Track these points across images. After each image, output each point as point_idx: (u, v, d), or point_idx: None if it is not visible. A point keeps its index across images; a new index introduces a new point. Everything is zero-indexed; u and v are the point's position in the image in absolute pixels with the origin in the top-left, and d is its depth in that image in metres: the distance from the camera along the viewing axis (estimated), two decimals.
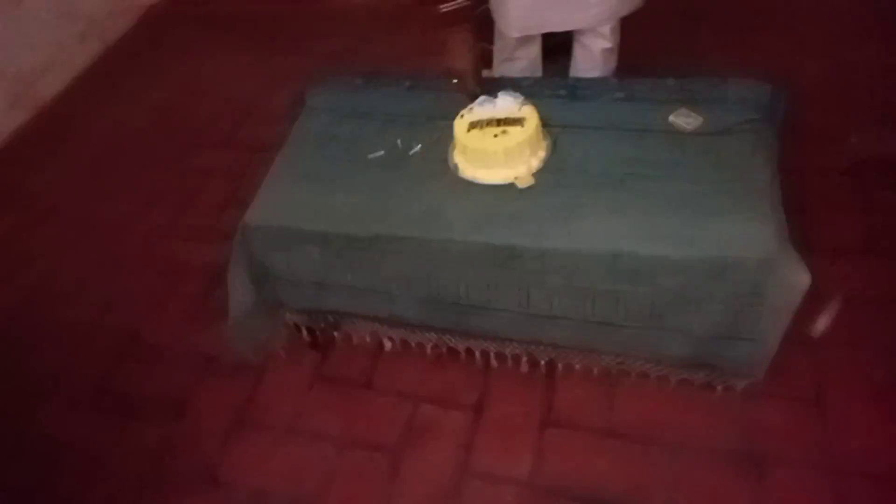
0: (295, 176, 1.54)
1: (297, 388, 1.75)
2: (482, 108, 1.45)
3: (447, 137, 1.53)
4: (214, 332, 1.73)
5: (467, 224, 1.36)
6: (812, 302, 1.24)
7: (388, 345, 1.73)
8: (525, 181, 1.39)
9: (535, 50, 1.88)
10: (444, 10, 1.54)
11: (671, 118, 1.47)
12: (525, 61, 1.88)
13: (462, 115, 1.48)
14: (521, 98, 1.45)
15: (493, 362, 1.65)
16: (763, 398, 1.50)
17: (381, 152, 1.55)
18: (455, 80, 1.56)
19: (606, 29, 1.76)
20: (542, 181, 1.41)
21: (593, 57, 1.84)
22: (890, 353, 1.56)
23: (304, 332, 1.75)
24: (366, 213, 1.43)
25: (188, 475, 1.64)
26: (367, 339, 1.73)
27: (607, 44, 1.80)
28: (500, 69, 1.91)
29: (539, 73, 1.95)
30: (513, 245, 1.32)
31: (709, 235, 1.24)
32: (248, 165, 2.43)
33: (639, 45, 1.94)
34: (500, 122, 1.41)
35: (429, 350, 1.68)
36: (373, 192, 1.46)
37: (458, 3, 1.54)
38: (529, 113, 1.41)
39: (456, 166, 1.48)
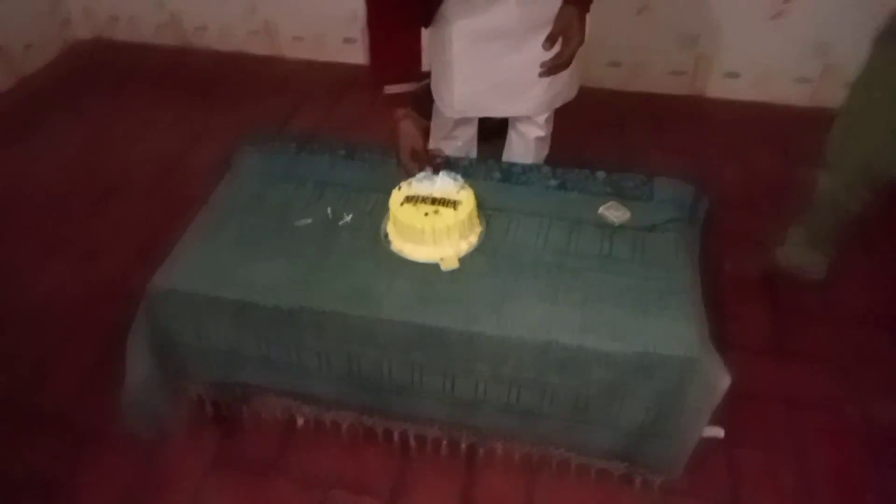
0: (213, 239, 1.46)
1: (195, 471, 1.60)
2: (421, 185, 1.44)
3: (380, 210, 1.51)
4: (108, 403, 1.57)
5: (395, 303, 1.32)
6: (727, 400, 1.26)
7: (300, 422, 1.62)
8: (449, 264, 1.37)
9: (472, 130, 1.91)
10: (390, 91, 1.54)
11: (601, 210, 1.51)
12: (462, 140, 1.91)
13: (400, 188, 1.46)
14: (460, 181, 1.45)
15: (412, 444, 1.57)
16: (680, 495, 1.49)
17: (309, 220, 1.50)
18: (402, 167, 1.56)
19: (541, 118, 1.82)
20: (474, 264, 1.39)
21: (527, 143, 1.89)
22: (797, 454, 1.60)
23: (209, 406, 1.61)
24: (287, 284, 1.36)
25: None
26: (278, 415, 1.61)
27: (541, 132, 1.85)
28: (437, 146, 1.92)
29: (474, 153, 1.97)
30: (442, 328, 1.28)
31: (637, 331, 1.24)
32: (164, 222, 2.26)
33: (571, 134, 2.01)
34: (434, 201, 1.40)
35: (344, 430, 1.58)
36: (297, 262, 1.40)
37: (405, 87, 1.54)
38: (466, 197, 1.41)
39: (387, 237, 1.45)
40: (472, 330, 1.27)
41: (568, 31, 1.42)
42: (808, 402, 1.71)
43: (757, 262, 2.02)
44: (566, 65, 1.45)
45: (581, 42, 1.43)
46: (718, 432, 1.46)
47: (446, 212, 1.37)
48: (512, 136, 1.94)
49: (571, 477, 1.51)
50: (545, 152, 1.94)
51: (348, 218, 1.50)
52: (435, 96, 1.80)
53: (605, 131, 2.65)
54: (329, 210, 1.52)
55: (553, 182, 1.61)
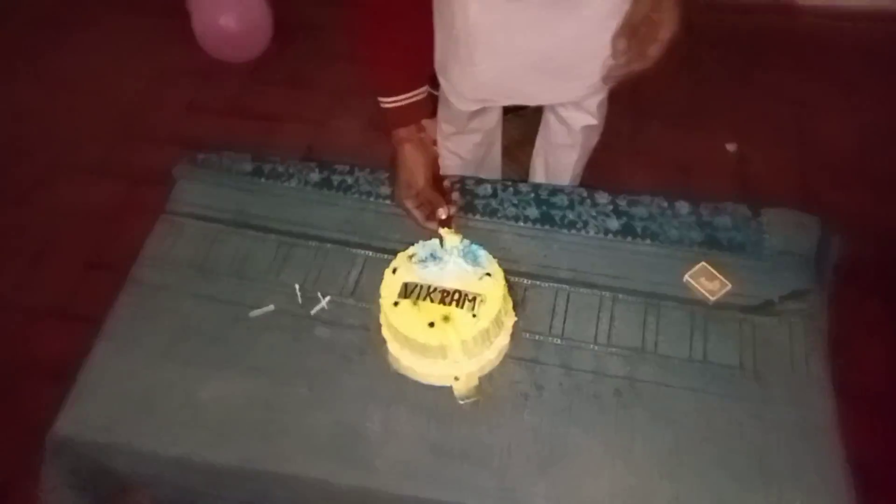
0: (136, 347, 1.03)
1: None
2: (425, 271, 0.97)
3: (371, 282, 1.06)
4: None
5: (394, 459, 0.91)
6: None
7: None
8: (466, 391, 0.94)
9: (494, 117, 1.38)
10: (387, 105, 1.04)
11: (687, 278, 1.04)
12: (480, 134, 1.38)
13: (395, 270, 0.99)
14: (483, 259, 0.97)
15: None
16: None
17: (271, 307, 1.06)
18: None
19: (594, 102, 1.28)
20: (505, 385, 0.96)
21: (571, 133, 1.36)
22: None
23: None
24: (241, 425, 0.95)
25: None
26: None
27: (592, 120, 1.32)
28: (445, 146, 1.40)
29: (498, 148, 1.46)
30: None
31: None
32: (127, 205, 1.89)
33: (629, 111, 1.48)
34: (445, 296, 0.94)
35: None
36: (253, 384, 0.98)
37: (411, 95, 1.04)
38: (491, 289, 0.94)
39: (381, 334, 1.01)
40: None
41: (656, 11, 0.88)
42: None
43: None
44: (647, 67, 0.92)
45: (674, 30, 0.89)
46: None
47: (461, 317, 0.92)
48: (550, 119, 1.40)
49: None
50: (594, 142, 1.41)
51: (324, 302, 1.06)
52: (441, 80, 1.25)
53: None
54: (297, 287, 1.07)
55: (615, 223, 1.12)
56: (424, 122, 1.16)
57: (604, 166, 1.50)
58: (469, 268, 0.95)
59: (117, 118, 2.17)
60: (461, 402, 0.94)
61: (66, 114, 2.17)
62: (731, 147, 1.83)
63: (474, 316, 0.92)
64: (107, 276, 1.16)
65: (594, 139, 1.40)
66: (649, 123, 1.87)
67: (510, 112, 1.44)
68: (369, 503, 0.92)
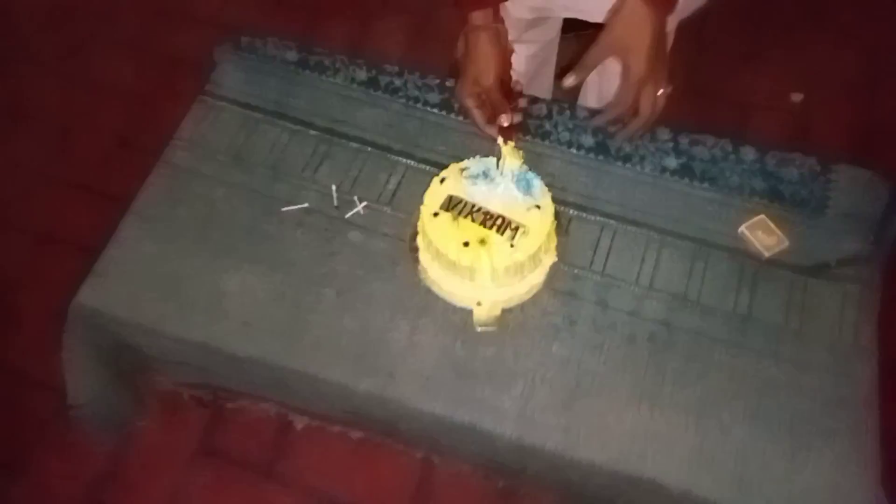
0: (166, 228, 1.01)
1: (174, 463, 1.34)
2: (473, 188, 0.92)
3: (409, 193, 1.01)
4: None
5: (415, 373, 0.90)
6: None
7: (299, 424, 1.30)
8: (486, 318, 0.91)
9: (553, 30, 1.29)
10: None
11: (743, 229, 0.99)
12: (536, 45, 1.29)
13: (443, 180, 0.94)
14: (537, 190, 0.91)
15: (437, 461, 1.26)
16: None
17: (305, 204, 1.02)
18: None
19: None
20: (535, 315, 0.93)
21: None
22: None
23: (187, 397, 1.30)
24: (264, 320, 0.94)
25: None
26: (272, 416, 1.30)
27: None
28: None
29: (551, 68, 1.37)
30: (480, 429, 0.87)
31: (775, 478, 0.82)
32: (161, 86, 1.84)
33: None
34: (487, 219, 0.89)
35: (353, 435, 1.26)
36: (281, 281, 0.96)
37: None
38: (537, 223, 0.89)
39: (415, 246, 0.98)
40: (525, 441, 0.86)
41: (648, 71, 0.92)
42: None
43: None
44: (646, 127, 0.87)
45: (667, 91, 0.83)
46: None
47: (498, 244, 0.87)
48: None
49: None
50: None
51: (360, 206, 1.02)
52: None
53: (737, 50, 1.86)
54: (334, 188, 1.03)
55: (673, 161, 1.06)
56: None
57: None
58: (519, 196, 0.90)
59: None
60: (478, 329, 0.92)
61: None
62: (796, 97, 1.72)
63: (512, 246, 0.87)
64: (137, 155, 1.13)
65: None
66: (709, 61, 1.76)
67: (569, 32, 1.35)
68: (386, 411, 0.92)
